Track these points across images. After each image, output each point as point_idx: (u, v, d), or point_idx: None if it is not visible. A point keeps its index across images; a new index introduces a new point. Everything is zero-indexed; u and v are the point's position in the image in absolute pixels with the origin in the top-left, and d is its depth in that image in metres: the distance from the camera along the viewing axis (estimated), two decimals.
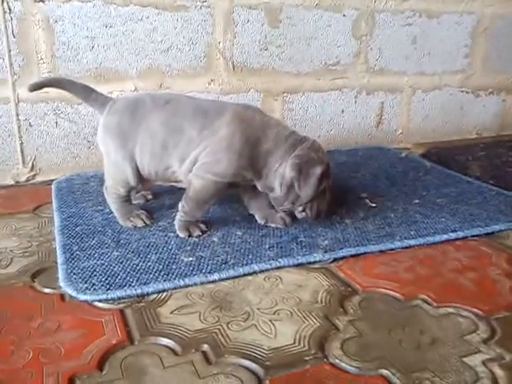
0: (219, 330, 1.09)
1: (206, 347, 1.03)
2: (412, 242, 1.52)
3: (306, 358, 1.00)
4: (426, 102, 2.72)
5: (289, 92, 2.40)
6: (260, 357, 1.01)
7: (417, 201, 1.85)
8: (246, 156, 1.46)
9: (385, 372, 0.97)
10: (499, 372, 0.97)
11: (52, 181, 2.01)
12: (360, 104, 2.57)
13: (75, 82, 1.65)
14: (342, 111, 2.54)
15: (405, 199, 1.86)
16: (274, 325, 1.11)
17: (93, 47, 2.01)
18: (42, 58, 1.95)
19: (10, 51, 1.90)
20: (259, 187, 1.53)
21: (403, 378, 0.95)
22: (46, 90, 1.93)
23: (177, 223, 1.54)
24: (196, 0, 2.11)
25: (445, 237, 1.56)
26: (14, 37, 1.90)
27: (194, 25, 2.14)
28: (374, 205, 1.78)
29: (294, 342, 1.05)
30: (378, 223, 1.64)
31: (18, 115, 1.98)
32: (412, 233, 1.57)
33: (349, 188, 1.96)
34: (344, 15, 2.38)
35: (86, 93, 1.60)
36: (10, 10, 1.87)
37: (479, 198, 1.88)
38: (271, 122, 1.54)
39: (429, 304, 1.20)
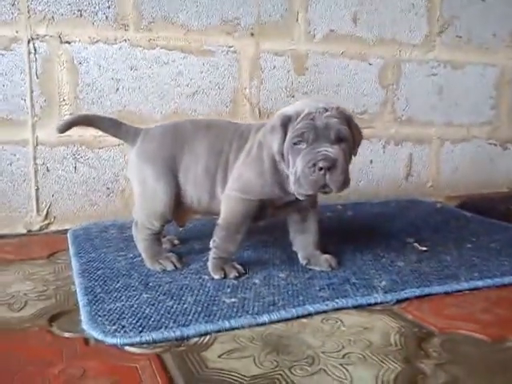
0: (281, 375, 0.90)
1: None
2: (480, 284, 1.34)
3: None
4: (455, 154, 2.63)
5: None
6: None
7: (469, 245, 1.68)
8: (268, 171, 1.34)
9: None
10: None
11: (66, 230, 1.84)
12: (388, 154, 2.47)
13: (103, 116, 1.57)
14: (371, 162, 2.43)
15: (455, 244, 1.69)
16: (346, 369, 0.92)
17: (117, 90, 1.94)
18: (64, 100, 1.87)
19: (32, 92, 1.82)
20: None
21: None
22: (66, 133, 1.86)
23: (210, 263, 1.38)
24: (222, 45, 2.07)
25: None
26: (38, 77, 1.83)
27: (220, 69, 2.08)
28: (424, 248, 1.61)
29: None
30: (434, 266, 1.47)
31: (35, 159, 1.86)
32: (476, 274, 1.40)
33: (391, 234, 1.80)
34: (370, 64, 2.35)
35: (115, 126, 1.51)
36: (35, 50, 1.81)
37: None
38: None
39: None
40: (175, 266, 1.42)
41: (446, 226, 1.96)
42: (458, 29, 2.52)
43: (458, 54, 2.54)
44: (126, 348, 1.00)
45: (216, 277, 1.34)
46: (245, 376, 0.89)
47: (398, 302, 1.23)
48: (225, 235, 1.37)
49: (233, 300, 1.20)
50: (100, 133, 1.89)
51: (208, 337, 1.04)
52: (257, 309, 1.15)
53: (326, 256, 1.45)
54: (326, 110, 1.26)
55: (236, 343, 1.02)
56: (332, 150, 1.23)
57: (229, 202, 1.37)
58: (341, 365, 0.93)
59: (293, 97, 2.23)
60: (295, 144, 1.25)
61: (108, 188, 1.98)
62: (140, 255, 1.47)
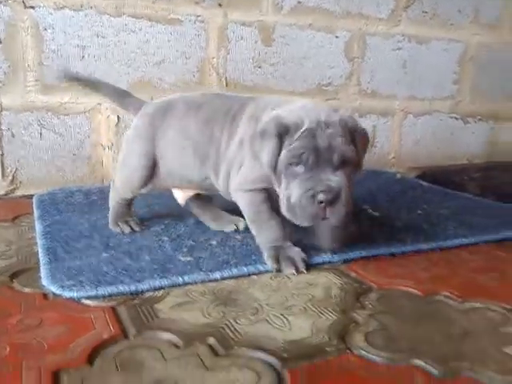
0: (226, 324, 0.97)
1: (212, 340, 0.91)
2: (424, 247, 1.43)
3: (328, 349, 0.88)
4: (417, 127, 2.71)
5: None
6: (275, 349, 0.88)
7: (420, 212, 1.77)
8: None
9: (418, 362, 0.85)
10: None
11: (32, 195, 1.87)
12: None
13: (110, 84, 1.57)
14: None
15: (407, 211, 1.78)
16: (287, 319, 0.99)
17: (83, 57, 1.94)
18: (28, 66, 1.87)
19: None
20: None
21: (440, 368, 0.83)
22: (31, 99, 1.88)
23: (266, 257, 1.25)
24: (190, 14, 2.08)
25: (457, 242, 1.47)
26: (1, 42, 1.82)
27: (187, 39, 2.10)
28: (377, 214, 1.70)
29: (312, 335, 0.93)
30: (385, 230, 1.55)
31: (0, 124, 1.87)
32: (422, 238, 1.49)
33: None
34: (337, 36, 2.39)
35: (121, 96, 1.54)
36: None
37: (484, 210, 1.82)
38: None
39: (453, 300, 1.10)
40: (133, 229, 1.47)
41: (403, 195, 2.05)
42: (423, 4, 2.57)
43: (423, 29, 2.59)
44: (83, 301, 1.05)
45: (273, 266, 1.22)
46: (192, 324, 0.96)
47: (346, 261, 1.31)
48: (257, 228, 1.31)
49: (188, 259, 1.26)
50: (65, 99, 1.93)
51: (162, 291, 1.11)
52: (210, 267, 1.22)
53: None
54: (329, 126, 1.12)
55: (188, 297, 1.08)
56: (335, 179, 1.10)
57: (240, 200, 1.32)
58: (282, 315, 1.01)
59: (260, 67, 2.26)
60: (291, 164, 1.12)
61: (74, 154, 2.01)
62: (104, 218, 1.52)
